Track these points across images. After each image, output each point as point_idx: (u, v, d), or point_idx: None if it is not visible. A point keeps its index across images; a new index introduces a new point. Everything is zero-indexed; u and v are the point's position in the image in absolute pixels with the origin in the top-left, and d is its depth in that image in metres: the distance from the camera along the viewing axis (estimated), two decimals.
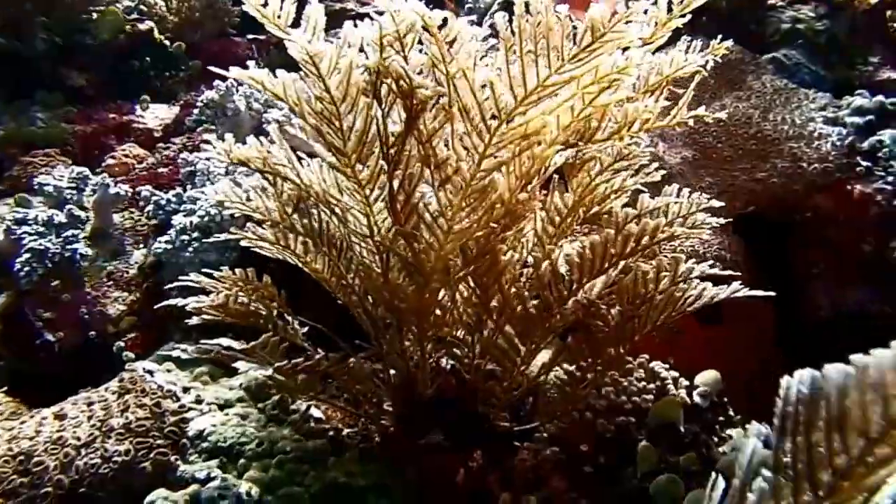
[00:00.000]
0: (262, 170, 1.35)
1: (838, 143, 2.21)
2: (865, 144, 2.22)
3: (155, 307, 1.81)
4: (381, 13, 1.08)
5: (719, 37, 1.48)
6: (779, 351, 2.36)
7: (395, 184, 1.25)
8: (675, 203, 1.64)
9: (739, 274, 2.19)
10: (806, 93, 2.36)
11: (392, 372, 1.68)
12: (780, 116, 2.28)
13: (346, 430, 1.81)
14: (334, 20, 1.33)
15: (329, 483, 1.64)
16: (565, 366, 1.65)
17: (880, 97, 2.30)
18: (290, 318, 1.73)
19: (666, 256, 1.49)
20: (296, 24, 1.15)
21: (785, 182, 2.20)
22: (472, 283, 1.48)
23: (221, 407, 1.82)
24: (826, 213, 2.18)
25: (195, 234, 2.06)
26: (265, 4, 1.14)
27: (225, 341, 1.59)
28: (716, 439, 1.76)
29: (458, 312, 1.59)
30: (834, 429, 0.68)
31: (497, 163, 1.20)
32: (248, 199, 1.52)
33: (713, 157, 2.29)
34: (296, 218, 1.53)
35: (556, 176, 1.62)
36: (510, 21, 1.07)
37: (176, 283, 1.67)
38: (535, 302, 1.47)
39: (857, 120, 2.27)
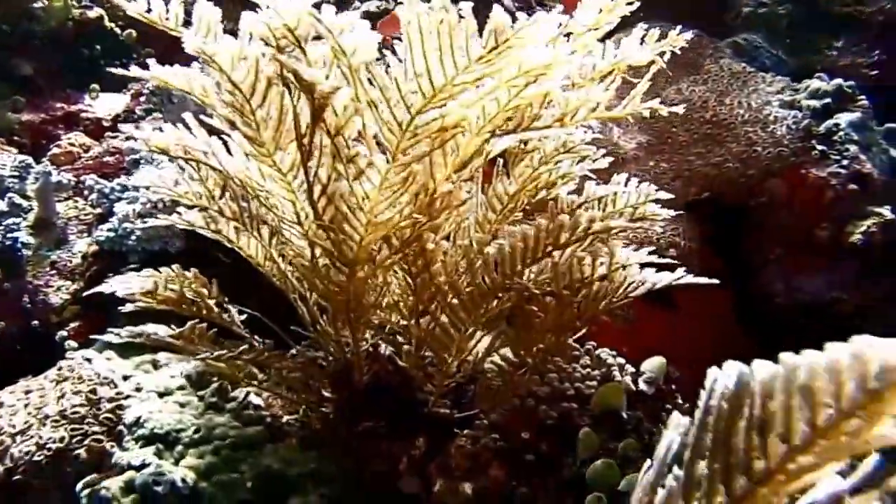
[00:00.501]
0: (182, 157, 1.38)
1: (793, 127, 2.25)
2: (822, 128, 2.26)
3: (84, 294, 1.84)
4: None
5: (678, 27, 1.49)
6: (742, 338, 2.41)
7: (312, 174, 1.26)
8: (624, 193, 1.68)
9: (681, 262, 2.25)
10: (763, 76, 2.40)
11: (330, 359, 1.72)
12: (737, 100, 2.32)
13: (286, 418, 1.84)
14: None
15: (265, 470, 1.67)
16: (504, 352, 1.68)
17: (838, 80, 2.34)
18: (226, 306, 1.76)
19: (606, 243, 1.51)
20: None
21: (739, 167, 2.23)
22: (403, 271, 1.51)
23: (161, 394, 1.85)
24: (781, 197, 2.22)
25: (138, 223, 2.09)
26: (149, 10, 1.17)
27: (152, 327, 1.62)
28: (661, 426, 1.80)
29: (393, 299, 1.62)
30: (755, 430, 0.65)
31: (414, 157, 1.22)
32: (177, 184, 1.55)
33: (669, 142, 2.33)
34: (224, 202, 1.56)
35: (500, 161, 1.65)
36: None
37: (100, 287, 1.70)
38: (469, 289, 1.50)
39: (814, 103, 2.31)
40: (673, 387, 1.96)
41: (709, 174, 2.24)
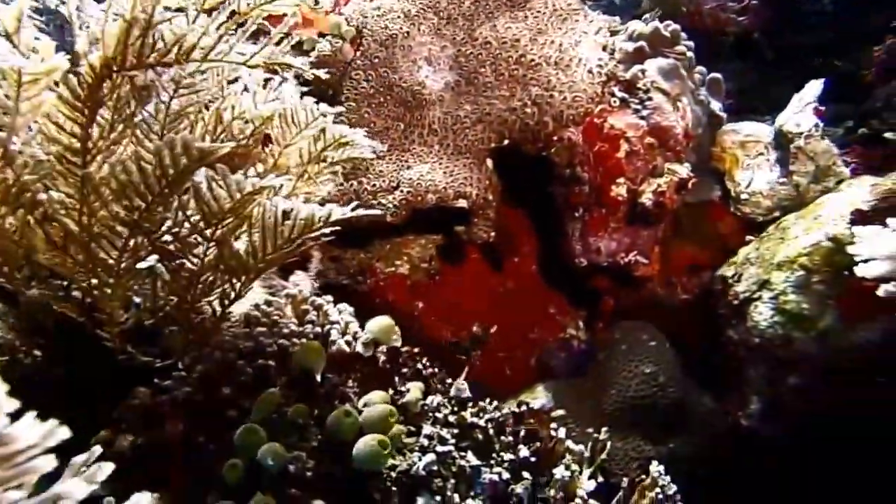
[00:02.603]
0: None
1: (596, 71, 2.04)
2: (628, 74, 2.05)
3: None
4: None
5: None
6: (551, 299, 2.26)
7: None
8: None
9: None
10: (587, 14, 2.19)
11: None
12: (550, 39, 2.12)
13: None
14: None
15: None
16: (171, 299, 1.56)
17: (656, 23, 2.12)
18: None
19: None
20: None
21: (536, 112, 2.04)
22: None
23: None
24: (578, 149, 2.03)
25: None
26: None
27: None
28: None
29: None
30: None
31: None
32: None
33: (475, 83, 2.15)
34: None
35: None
36: None
37: None
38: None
39: (628, 46, 2.09)
40: (414, 350, 1.84)
41: (507, 120, 2.06)
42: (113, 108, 1.32)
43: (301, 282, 2.10)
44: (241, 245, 1.48)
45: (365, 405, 1.58)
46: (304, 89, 1.69)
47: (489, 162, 2.12)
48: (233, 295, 1.59)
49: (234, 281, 1.54)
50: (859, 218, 1.72)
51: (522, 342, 2.22)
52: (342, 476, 1.49)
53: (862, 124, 2.33)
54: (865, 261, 1.49)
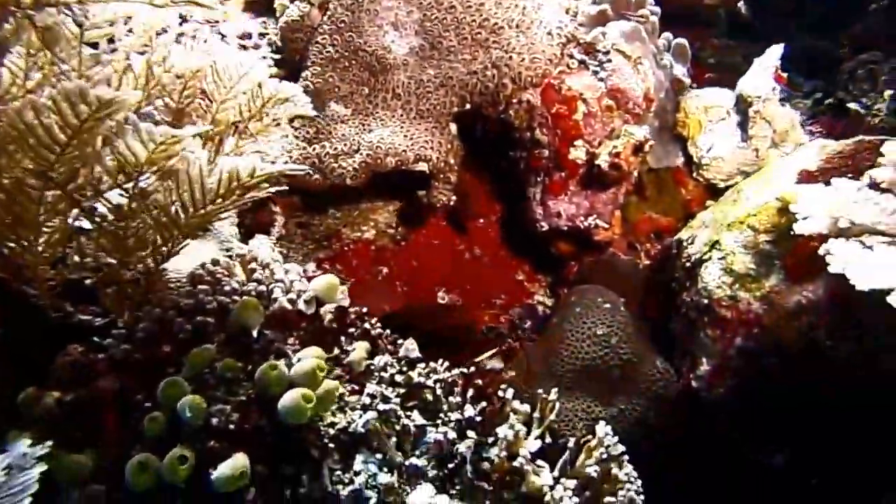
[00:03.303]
0: None
1: (556, 34, 1.97)
2: (588, 36, 1.97)
3: None
4: None
5: None
6: (516, 263, 2.20)
7: None
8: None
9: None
10: None
11: None
12: (514, 3, 2.05)
13: None
14: None
15: None
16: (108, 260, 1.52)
17: None
18: None
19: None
20: None
21: (495, 74, 1.98)
22: None
23: None
24: (537, 111, 1.97)
25: None
26: None
27: None
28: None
29: None
30: None
31: None
32: None
33: (439, 48, 2.08)
34: None
35: None
36: None
37: None
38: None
39: (591, 9, 2.02)
40: (361, 309, 1.78)
41: (468, 83, 2.00)
42: (25, 54, 1.28)
43: (261, 245, 2.06)
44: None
45: (298, 360, 1.54)
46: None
47: (453, 127, 2.07)
48: (166, 252, 1.54)
49: (167, 237, 1.50)
50: (806, 179, 1.65)
51: (489, 308, 2.17)
52: (270, 430, 1.45)
53: (830, 95, 2.27)
54: (805, 218, 1.42)
